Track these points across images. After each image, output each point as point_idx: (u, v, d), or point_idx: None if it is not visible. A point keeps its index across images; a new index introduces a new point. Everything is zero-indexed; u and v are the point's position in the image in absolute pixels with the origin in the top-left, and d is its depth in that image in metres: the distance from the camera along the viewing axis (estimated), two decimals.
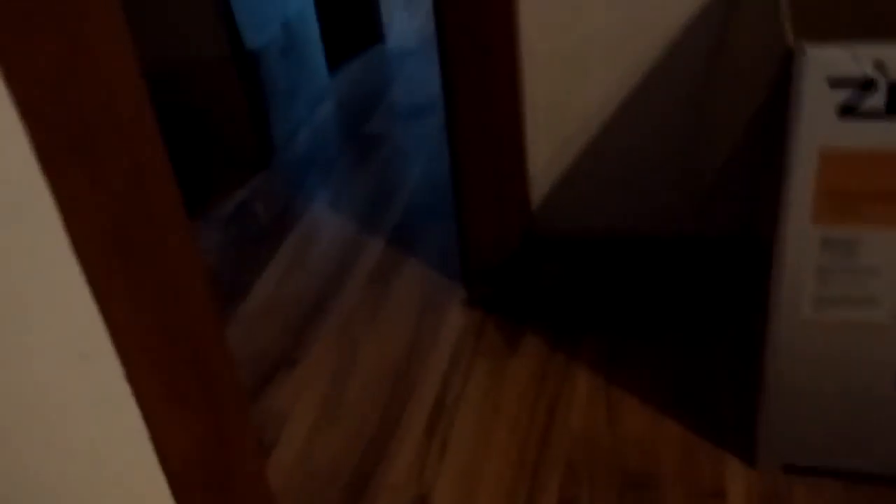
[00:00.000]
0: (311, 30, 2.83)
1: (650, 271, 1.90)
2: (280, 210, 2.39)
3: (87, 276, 0.68)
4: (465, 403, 1.67)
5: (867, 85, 1.12)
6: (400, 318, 1.94)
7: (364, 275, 2.11)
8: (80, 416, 0.72)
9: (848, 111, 1.14)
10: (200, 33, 2.37)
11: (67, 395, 0.70)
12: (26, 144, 0.63)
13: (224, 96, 2.46)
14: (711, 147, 1.39)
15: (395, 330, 1.90)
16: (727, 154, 1.26)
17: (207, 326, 0.81)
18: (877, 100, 1.13)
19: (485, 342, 1.82)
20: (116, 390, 0.73)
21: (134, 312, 0.73)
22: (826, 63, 1.11)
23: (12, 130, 0.62)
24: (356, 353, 1.85)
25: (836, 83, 1.13)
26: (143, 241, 0.74)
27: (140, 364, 0.73)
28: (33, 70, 0.63)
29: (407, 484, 1.54)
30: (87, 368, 0.71)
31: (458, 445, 1.59)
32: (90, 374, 0.71)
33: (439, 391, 1.71)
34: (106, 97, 0.70)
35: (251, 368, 1.84)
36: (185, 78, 2.40)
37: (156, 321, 0.76)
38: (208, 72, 2.42)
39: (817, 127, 1.17)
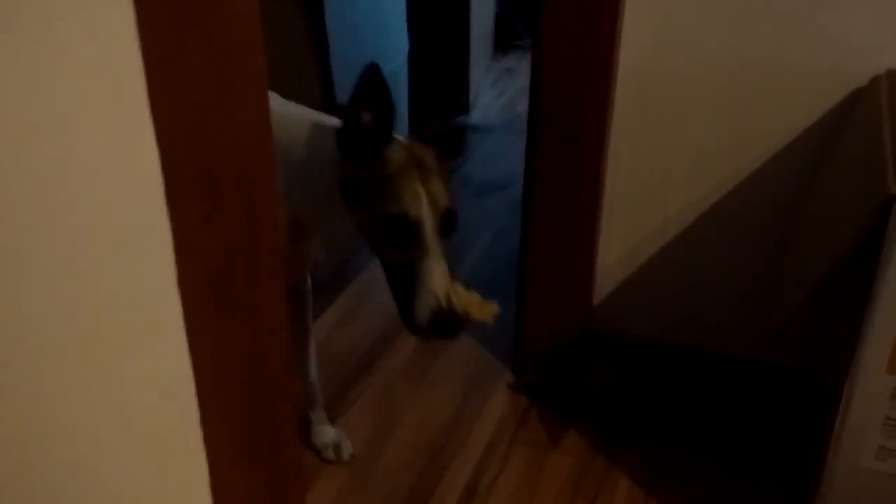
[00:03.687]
0: (401, 92, 2.88)
1: (705, 386, 1.87)
2: (340, 263, 2.41)
3: (186, 312, 0.69)
4: (499, 491, 1.64)
5: None
6: (444, 392, 1.93)
7: (414, 340, 2.10)
8: (149, 454, 0.72)
9: None
10: (296, 81, 2.42)
11: (141, 432, 0.71)
12: (158, 177, 0.64)
13: None
14: (792, 279, 1.38)
15: (437, 402, 1.89)
16: (810, 288, 1.25)
17: (282, 384, 0.81)
18: None
19: (526, 431, 1.79)
20: (189, 433, 0.73)
21: (221, 358, 0.74)
22: None
23: (149, 160, 0.64)
24: (395, 419, 1.84)
25: None
26: (242, 288, 0.75)
27: (216, 411, 0.73)
28: (176, 110, 0.65)
29: None
30: (166, 407, 0.71)
31: None
32: (167, 414, 0.72)
33: (474, 473, 1.69)
34: (235, 144, 0.72)
35: None
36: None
37: (239, 370, 0.76)
38: None
39: None
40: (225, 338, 0.74)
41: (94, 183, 0.61)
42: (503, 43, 4.08)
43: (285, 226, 1.36)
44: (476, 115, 3.37)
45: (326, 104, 2.42)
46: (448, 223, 1.24)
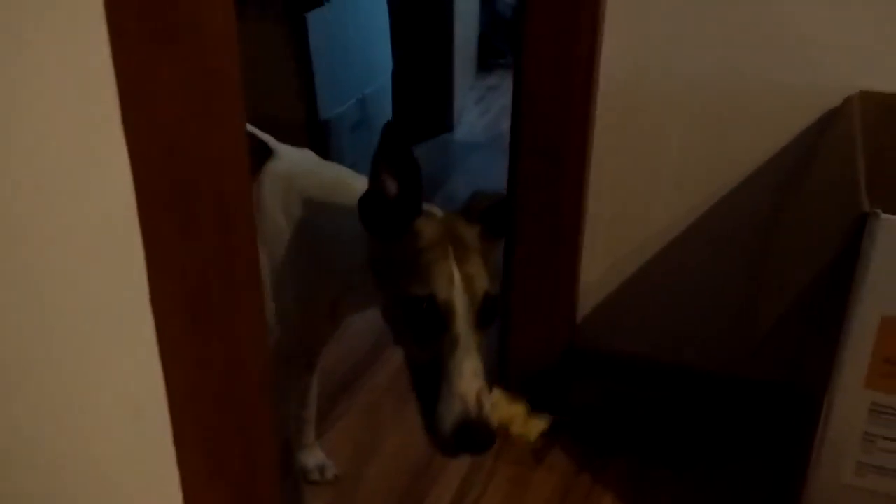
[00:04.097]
0: (385, 109, 2.89)
1: (688, 402, 1.87)
2: None
3: (159, 331, 0.69)
4: None
5: None
6: None
7: (398, 358, 2.09)
8: (121, 476, 0.72)
9: None
10: (279, 96, 2.43)
11: (113, 450, 0.70)
12: (131, 192, 0.64)
13: None
14: (771, 295, 1.39)
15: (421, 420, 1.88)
16: (788, 304, 1.26)
17: (259, 405, 0.81)
18: None
19: (510, 449, 1.79)
20: (161, 453, 0.73)
21: (195, 377, 0.73)
22: None
23: (121, 177, 0.64)
24: (379, 438, 1.83)
25: None
26: (219, 306, 0.75)
27: (190, 431, 0.73)
28: (149, 126, 0.65)
29: None
30: (139, 426, 0.71)
31: None
32: (139, 433, 0.71)
33: (458, 492, 1.68)
34: (210, 161, 0.72)
35: None
36: None
37: (214, 389, 0.76)
38: (277, 135, 2.47)
39: (881, 293, 1.16)
40: (200, 357, 0.74)
41: (62, 198, 0.60)
42: (487, 61, 4.10)
43: (324, 308, 1.28)
44: (460, 133, 3.38)
45: (309, 123, 2.43)
46: (487, 313, 1.06)
